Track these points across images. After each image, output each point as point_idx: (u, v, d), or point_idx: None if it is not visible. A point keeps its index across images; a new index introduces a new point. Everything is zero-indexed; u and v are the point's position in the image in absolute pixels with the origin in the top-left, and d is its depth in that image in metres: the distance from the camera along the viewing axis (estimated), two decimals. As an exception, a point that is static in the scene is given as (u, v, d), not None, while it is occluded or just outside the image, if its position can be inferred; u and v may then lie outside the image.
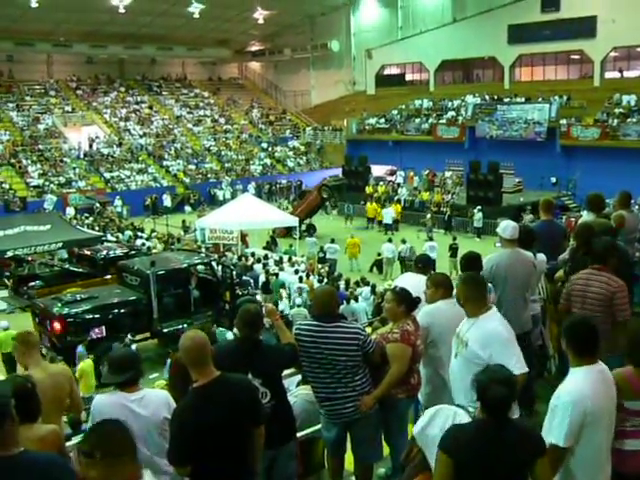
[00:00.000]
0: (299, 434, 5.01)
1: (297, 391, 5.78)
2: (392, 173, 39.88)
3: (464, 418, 3.65)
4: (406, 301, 4.93)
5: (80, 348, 13.82)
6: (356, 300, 16.42)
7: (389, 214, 30.13)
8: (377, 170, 39.53)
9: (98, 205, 33.66)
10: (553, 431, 3.57)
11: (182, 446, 3.68)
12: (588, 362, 3.68)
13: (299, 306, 16.98)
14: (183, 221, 29.71)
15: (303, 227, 27.67)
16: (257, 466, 4.03)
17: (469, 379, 3.62)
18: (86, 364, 13.00)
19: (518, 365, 4.11)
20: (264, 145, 46.33)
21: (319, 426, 5.17)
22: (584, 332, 3.73)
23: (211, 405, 3.67)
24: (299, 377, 6.10)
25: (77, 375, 12.58)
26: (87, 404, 13.05)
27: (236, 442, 3.76)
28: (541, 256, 6.32)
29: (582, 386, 3.60)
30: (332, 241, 24.07)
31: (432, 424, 3.68)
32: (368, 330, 5.88)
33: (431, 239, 23.64)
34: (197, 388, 3.74)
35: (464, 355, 4.32)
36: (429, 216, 28.94)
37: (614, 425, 3.73)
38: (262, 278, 19.24)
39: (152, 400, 3.94)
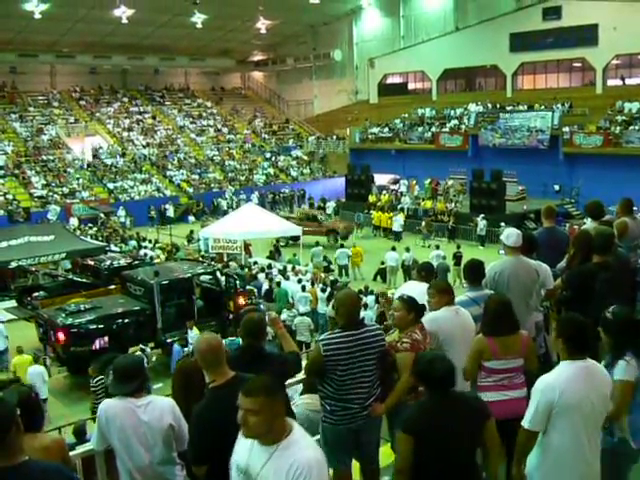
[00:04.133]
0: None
1: (299, 400, 5.77)
2: (395, 182, 39.89)
3: None
4: (415, 309, 4.91)
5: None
6: (365, 308, 16.35)
7: (398, 222, 30.15)
8: (380, 179, 39.57)
9: (102, 215, 33.71)
10: (526, 414, 3.76)
11: (202, 445, 3.77)
12: (575, 358, 3.77)
13: (302, 315, 16.94)
14: (191, 231, 29.52)
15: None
16: None
17: None
18: (21, 359, 13.76)
19: None
20: (267, 154, 46.42)
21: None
22: (578, 331, 3.79)
23: (229, 404, 3.71)
24: (301, 386, 6.09)
25: (13, 370, 13.38)
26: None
27: None
28: (541, 263, 6.30)
29: (555, 378, 3.72)
30: (342, 246, 23.95)
31: None
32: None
33: (437, 247, 23.48)
34: (214, 388, 3.86)
35: None
36: (424, 223, 28.95)
37: (600, 421, 3.82)
38: (265, 286, 19.24)
39: (157, 406, 3.98)
